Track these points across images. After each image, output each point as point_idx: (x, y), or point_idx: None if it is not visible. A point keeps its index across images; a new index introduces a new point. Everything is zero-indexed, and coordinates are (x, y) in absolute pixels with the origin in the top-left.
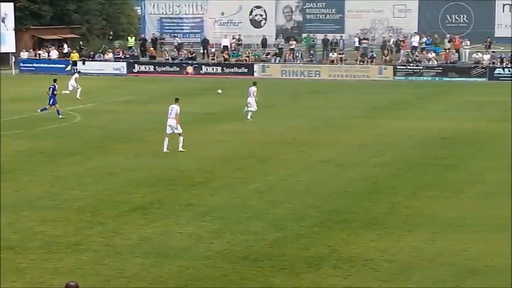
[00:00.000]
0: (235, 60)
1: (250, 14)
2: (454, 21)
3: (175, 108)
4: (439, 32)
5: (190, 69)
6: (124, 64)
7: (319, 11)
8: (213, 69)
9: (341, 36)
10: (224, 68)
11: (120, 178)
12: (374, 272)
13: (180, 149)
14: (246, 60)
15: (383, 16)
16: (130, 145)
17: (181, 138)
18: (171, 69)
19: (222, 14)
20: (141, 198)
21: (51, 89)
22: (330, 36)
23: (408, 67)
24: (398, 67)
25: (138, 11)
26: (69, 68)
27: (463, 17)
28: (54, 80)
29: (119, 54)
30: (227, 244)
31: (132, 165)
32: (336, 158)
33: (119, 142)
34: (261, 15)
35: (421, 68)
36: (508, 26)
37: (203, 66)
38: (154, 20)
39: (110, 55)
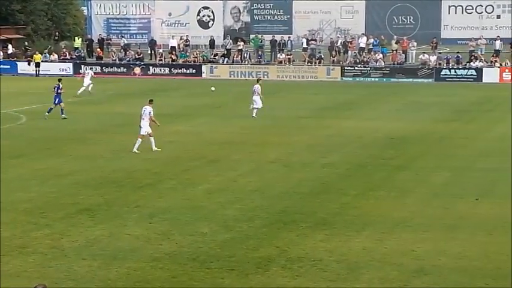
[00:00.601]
0: (183, 61)
1: (198, 14)
2: (400, 22)
3: (148, 109)
4: (386, 33)
5: (137, 70)
6: (70, 65)
7: (267, 11)
8: (160, 70)
9: (289, 37)
10: (172, 69)
11: (67, 180)
12: (323, 272)
13: (154, 148)
14: (193, 61)
15: (331, 17)
16: (77, 146)
17: (152, 138)
18: (119, 70)
19: (170, 14)
20: (88, 200)
21: (55, 88)
22: (277, 37)
23: (356, 68)
24: (346, 68)
25: (84, 11)
26: (33, 69)
27: (410, 18)
28: (59, 80)
29: (65, 55)
30: (176, 245)
31: (79, 167)
32: (285, 158)
33: (66, 143)
34: (209, 16)
35: (368, 69)
36: (454, 27)
37: (151, 67)
38: (100, 20)
39: (55, 56)
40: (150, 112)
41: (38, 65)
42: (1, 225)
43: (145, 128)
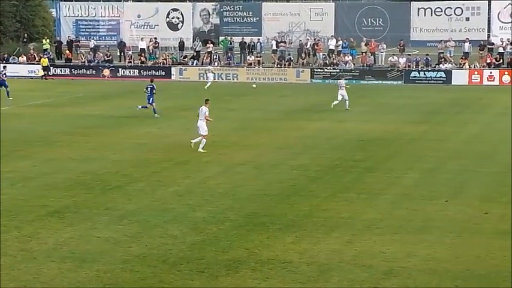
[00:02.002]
0: (152, 63)
1: (167, 16)
2: (370, 24)
3: (204, 109)
4: (356, 36)
5: (106, 72)
6: (39, 67)
7: (236, 14)
8: (130, 72)
9: (258, 39)
10: (141, 71)
11: (36, 182)
12: (293, 274)
13: (200, 149)
14: (163, 63)
15: (300, 19)
16: (46, 149)
17: (204, 140)
18: (88, 72)
19: (139, 16)
20: (57, 202)
21: (149, 88)
22: (247, 39)
23: (325, 70)
24: (315, 70)
25: (53, 13)
26: (41, 73)
27: (379, 20)
28: (151, 80)
29: (33, 57)
30: (145, 248)
31: (49, 169)
32: (255, 160)
33: (35, 146)
34: (178, 18)
35: (338, 71)
36: (424, 29)
37: (120, 69)
38: (69, 22)
39: (23, 58)
40: (206, 112)
41: (45, 68)
42: None
43: (203, 127)
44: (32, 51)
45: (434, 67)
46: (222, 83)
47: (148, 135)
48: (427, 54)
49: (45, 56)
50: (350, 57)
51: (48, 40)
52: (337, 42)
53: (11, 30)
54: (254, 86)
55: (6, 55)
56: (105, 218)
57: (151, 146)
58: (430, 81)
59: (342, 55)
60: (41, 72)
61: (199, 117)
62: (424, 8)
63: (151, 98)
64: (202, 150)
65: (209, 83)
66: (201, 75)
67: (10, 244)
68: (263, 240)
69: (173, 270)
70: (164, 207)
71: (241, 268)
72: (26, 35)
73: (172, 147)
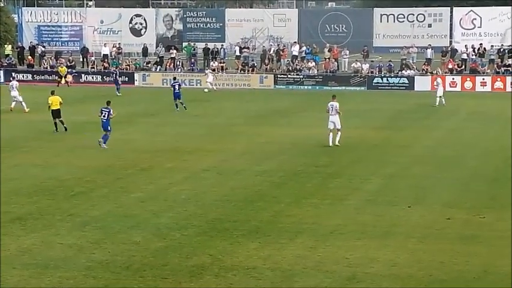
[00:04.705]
0: (115, 69)
1: (130, 22)
2: (333, 30)
3: (334, 105)
4: (319, 41)
5: (69, 77)
6: (1, 72)
7: (200, 19)
8: (92, 77)
9: (222, 45)
10: (104, 77)
11: None
12: (256, 280)
13: (337, 143)
14: (126, 69)
15: (263, 25)
16: (9, 155)
17: (339, 133)
18: (50, 78)
19: (102, 22)
20: (19, 209)
21: (177, 85)
22: (210, 45)
23: (289, 76)
24: (279, 76)
25: (15, 18)
26: (63, 81)
27: (342, 26)
28: (174, 78)
29: None
30: (108, 254)
31: (11, 175)
32: (219, 166)
33: None
34: (141, 24)
35: (301, 76)
36: (386, 35)
37: (83, 75)
38: (31, 28)
39: None
40: (336, 107)
41: (61, 77)
42: None
43: (338, 122)
44: None
45: (397, 73)
46: (186, 88)
47: (112, 141)
48: (390, 61)
49: (63, 65)
50: (313, 63)
51: (9, 45)
52: (300, 48)
53: None
54: (206, 90)
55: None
56: (68, 225)
57: (115, 152)
58: (393, 87)
59: (305, 61)
60: (64, 80)
61: (331, 113)
62: (387, 15)
63: (177, 94)
64: (331, 145)
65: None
66: (164, 81)
67: None
68: (227, 247)
69: (136, 276)
70: (127, 214)
71: (205, 274)
72: None
73: (135, 153)
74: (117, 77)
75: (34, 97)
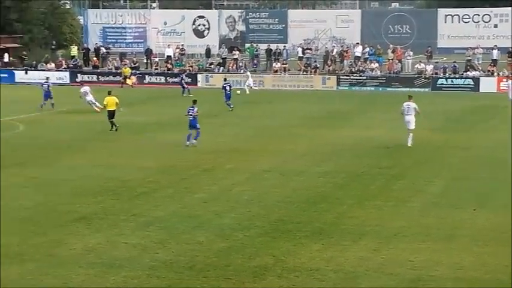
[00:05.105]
0: (179, 70)
1: (193, 23)
2: (396, 31)
3: (412, 105)
4: (382, 42)
5: (133, 79)
6: (67, 74)
7: (262, 21)
8: (156, 78)
9: (284, 46)
10: (167, 78)
11: (63, 188)
12: (319, 282)
13: (409, 144)
14: (189, 70)
15: (326, 26)
16: (73, 155)
17: (411, 134)
18: (114, 79)
19: (165, 23)
20: (85, 209)
21: (228, 86)
22: (273, 46)
23: (351, 77)
24: (341, 77)
25: (80, 20)
26: (130, 81)
27: (406, 27)
28: (225, 79)
29: (61, 64)
30: (172, 254)
31: (76, 176)
32: (280, 167)
33: (62, 152)
34: (204, 25)
35: (364, 78)
36: (451, 36)
37: (146, 76)
38: (97, 29)
39: (52, 65)
40: (415, 107)
41: (125, 78)
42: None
43: (413, 122)
44: (60, 58)
45: (462, 74)
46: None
47: (174, 141)
48: (455, 61)
49: (127, 66)
50: (376, 64)
51: (75, 47)
52: (363, 49)
53: (39, 38)
54: (238, 92)
55: (34, 62)
56: (132, 224)
57: (177, 153)
58: (457, 89)
59: (368, 62)
60: (130, 81)
61: (408, 113)
62: (451, 15)
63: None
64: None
65: (249, 87)
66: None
67: (38, 249)
68: (289, 248)
69: (200, 276)
70: (190, 214)
71: (268, 275)
72: (54, 42)
73: (197, 154)
74: (183, 79)
75: (97, 98)
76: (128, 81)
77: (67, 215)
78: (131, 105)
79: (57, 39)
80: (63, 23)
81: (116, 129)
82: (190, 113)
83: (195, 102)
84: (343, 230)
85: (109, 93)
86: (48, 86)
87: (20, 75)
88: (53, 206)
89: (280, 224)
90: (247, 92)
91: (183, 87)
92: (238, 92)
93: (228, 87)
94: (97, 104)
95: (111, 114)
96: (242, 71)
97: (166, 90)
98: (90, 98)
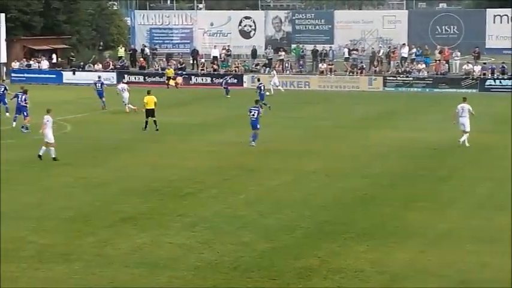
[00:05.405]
0: (225, 71)
1: (240, 24)
2: (444, 32)
3: (466, 107)
4: (429, 43)
5: (179, 79)
6: (114, 74)
7: (309, 21)
8: (202, 79)
9: (330, 47)
10: (213, 79)
11: (110, 188)
12: (364, 283)
13: (466, 144)
14: (235, 71)
15: (372, 27)
16: (120, 155)
17: (467, 135)
18: (161, 80)
19: (212, 24)
20: (131, 209)
21: (261, 86)
22: (319, 47)
23: (398, 78)
24: (388, 78)
25: (127, 21)
26: (173, 82)
27: (453, 27)
28: (258, 79)
29: (108, 65)
30: (217, 255)
31: (122, 176)
32: (326, 168)
33: (109, 152)
34: (250, 26)
35: (411, 79)
36: (499, 36)
37: (192, 77)
38: (144, 30)
39: (99, 66)
40: (469, 109)
41: (169, 78)
42: (43, 233)
43: (468, 124)
44: (107, 59)
45: (511, 75)
46: (294, 90)
47: (219, 142)
48: (503, 62)
49: (171, 67)
50: (423, 65)
51: (123, 48)
52: (410, 50)
53: (87, 39)
54: (267, 93)
55: (82, 63)
56: (178, 225)
57: (221, 153)
58: (506, 90)
59: (415, 63)
60: (173, 82)
61: (462, 115)
62: (500, 15)
63: (261, 96)
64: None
65: (274, 86)
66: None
67: (85, 249)
68: (334, 249)
69: (244, 277)
70: (235, 214)
71: (313, 276)
72: (101, 43)
73: (241, 154)
74: (227, 82)
75: (142, 98)
76: (171, 82)
77: (114, 215)
78: (174, 106)
79: (104, 40)
80: (111, 24)
81: (157, 130)
82: (252, 113)
83: (257, 102)
84: (388, 232)
85: (148, 92)
86: (102, 84)
87: (67, 76)
88: (100, 205)
89: (325, 225)
90: (272, 91)
91: (226, 89)
92: (268, 93)
93: (262, 87)
94: (130, 105)
95: (151, 112)
96: (267, 71)
97: (212, 91)
98: (126, 95)
